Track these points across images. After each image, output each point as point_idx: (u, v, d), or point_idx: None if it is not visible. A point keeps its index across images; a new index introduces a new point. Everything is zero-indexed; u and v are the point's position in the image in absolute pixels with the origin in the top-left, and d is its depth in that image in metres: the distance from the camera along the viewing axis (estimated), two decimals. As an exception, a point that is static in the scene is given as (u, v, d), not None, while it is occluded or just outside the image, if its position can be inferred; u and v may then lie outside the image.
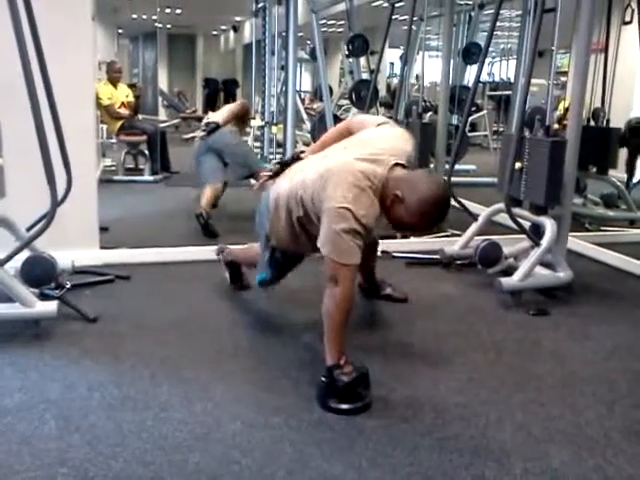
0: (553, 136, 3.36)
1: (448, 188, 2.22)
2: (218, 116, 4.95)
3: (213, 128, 4.79)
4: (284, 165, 2.61)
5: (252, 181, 2.63)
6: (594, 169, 5.07)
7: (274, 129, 7.18)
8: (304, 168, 2.45)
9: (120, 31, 15.80)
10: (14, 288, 2.66)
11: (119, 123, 6.94)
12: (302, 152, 2.69)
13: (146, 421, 2.04)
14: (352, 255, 2.15)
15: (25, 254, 2.81)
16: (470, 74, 8.36)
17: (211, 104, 17.26)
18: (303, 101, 12.13)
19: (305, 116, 10.08)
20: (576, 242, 4.09)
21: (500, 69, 12.50)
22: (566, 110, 6.94)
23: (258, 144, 8.29)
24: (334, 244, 2.16)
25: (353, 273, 2.19)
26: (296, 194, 2.36)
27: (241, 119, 5.20)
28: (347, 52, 7.80)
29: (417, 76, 10.16)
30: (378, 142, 2.37)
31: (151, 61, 18.94)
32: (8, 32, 2.43)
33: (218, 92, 18.51)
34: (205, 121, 5.01)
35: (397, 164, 2.28)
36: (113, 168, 7.18)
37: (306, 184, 2.32)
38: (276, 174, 2.60)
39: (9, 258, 2.67)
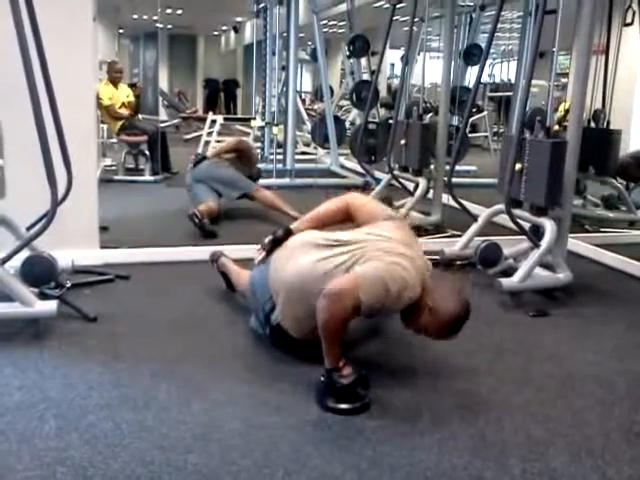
0: (553, 137, 3.36)
1: (469, 305, 2.28)
2: (213, 149, 5.04)
3: (198, 160, 4.98)
4: (277, 241, 2.53)
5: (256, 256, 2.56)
6: (594, 170, 5.07)
7: (275, 130, 7.19)
8: (309, 249, 2.37)
9: (121, 31, 15.80)
10: (14, 287, 2.66)
11: (120, 123, 6.94)
12: (288, 228, 2.57)
13: (145, 421, 2.04)
14: (371, 296, 2.12)
15: (25, 253, 2.81)
16: (471, 75, 8.36)
17: (211, 104, 17.30)
18: (304, 102, 12.15)
19: (306, 117, 10.10)
20: (576, 243, 4.10)
21: (501, 70, 12.51)
22: (566, 111, 6.94)
23: (259, 144, 8.29)
24: (367, 273, 2.15)
25: (353, 309, 2.12)
26: (309, 282, 2.28)
27: (239, 157, 5.10)
28: (348, 53, 7.81)
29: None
30: (413, 248, 2.33)
31: (152, 61, 18.94)
32: (10, 32, 2.43)
33: (218, 92, 18.55)
34: (195, 156, 5.16)
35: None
36: (113, 168, 7.18)
37: (322, 269, 2.27)
38: (270, 251, 2.54)
39: (9, 257, 2.67)
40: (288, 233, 2.53)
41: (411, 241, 2.38)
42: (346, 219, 2.54)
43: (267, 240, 2.54)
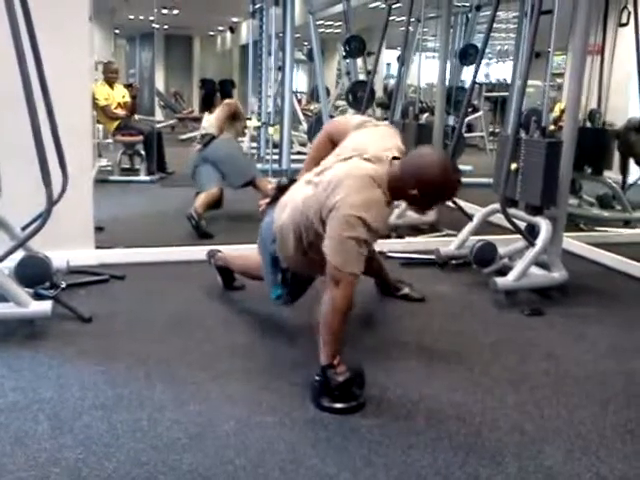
0: (549, 137, 3.36)
1: (440, 150, 2.27)
2: (212, 126, 5.00)
3: (208, 140, 4.90)
4: (282, 189, 2.58)
5: (260, 203, 2.63)
6: (589, 170, 5.08)
7: (271, 130, 7.18)
8: (302, 188, 2.42)
9: (117, 31, 15.80)
10: (8, 288, 2.65)
11: (115, 123, 6.93)
12: (292, 180, 2.64)
13: (140, 421, 2.04)
14: (356, 264, 2.16)
15: (20, 254, 2.80)
16: (467, 75, 8.37)
17: (207, 105, 17.28)
18: (300, 102, 12.15)
19: (302, 117, 10.10)
20: (571, 242, 4.10)
21: (497, 70, 12.53)
22: (562, 111, 6.95)
23: (255, 145, 8.28)
24: (340, 251, 2.16)
25: (355, 281, 2.18)
26: (302, 218, 2.33)
27: (232, 119, 5.15)
28: (344, 53, 7.82)
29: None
30: (371, 144, 2.36)
31: (148, 62, 18.90)
32: (5, 32, 2.43)
33: (215, 93, 18.54)
34: (201, 132, 5.10)
35: (394, 158, 2.29)
36: (109, 168, 7.16)
37: (309, 203, 2.30)
38: (275, 198, 2.58)
39: (4, 257, 2.67)
40: (292, 181, 2.59)
41: (374, 139, 2.38)
42: (333, 147, 2.54)
43: (271, 187, 2.63)
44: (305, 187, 2.40)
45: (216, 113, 5.15)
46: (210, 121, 5.06)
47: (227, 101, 5.49)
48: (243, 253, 3.04)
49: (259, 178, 4.97)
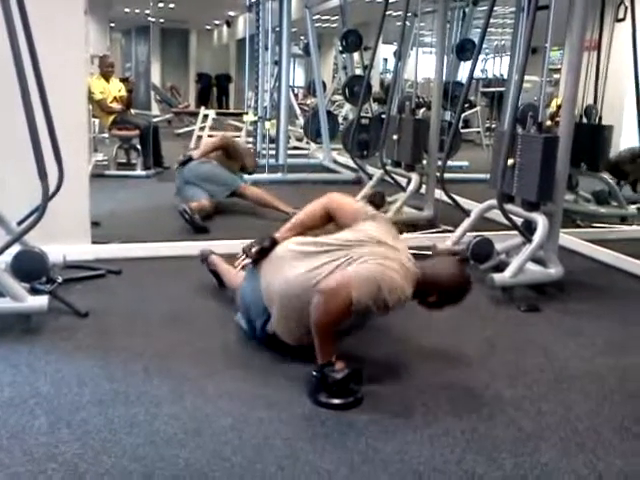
0: (545, 133, 3.36)
1: (464, 266, 2.37)
2: (198, 149, 5.11)
3: (185, 161, 4.99)
4: (264, 251, 2.50)
5: (237, 263, 2.64)
6: (585, 166, 5.09)
7: (267, 124, 7.17)
8: (297, 258, 2.37)
9: (113, 25, 15.70)
10: (5, 282, 2.64)
11: (111, 117, 6.91)
12: (273, 238, 2.54)
13: (137, 416, 2.04)
14: (361, 292, 2.11)
15: (16, 248, 2.79)
16: (463, 70, 8.36)
17: (204, 99, 17.25)
18: (296, 96, 12.13)
19: (298, 111, 10.08)
20: (568, 238, 4.11)
21: (493, 66, 12.52)
22: (558, 107, 6.95)
23: (251, 139, 8.27)
24: (359, 272, 2.17)
25: (349, 301, 2.10)
26: (305, 292, 2.25)
27: (226, 154, 5.10)
28: (341, 48, 7.80)
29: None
30: (396, 243, 2.36)
31: (144, 55, 18.84)
32: (0, 26, 2.41)
33: (211, 87, 18.49)
34: (183, 155, 5.19)
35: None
36: (105, 163, 7.15)
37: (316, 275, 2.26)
38: (256, 261, 2.52)
39: (0, 252, 2.66)
40: (274, 243, 2.52)
41: (393, 239, 2.39)
42: (328, 221, 2.55)
43: (253, 250, 2.52)
44: (304, 259, 2.35)
45: (210, 139, 5.22)
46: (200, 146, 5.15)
47: (225, 135, 5.50)
48: (232, 273, 2.99)
49: (243, 186, 4.96)
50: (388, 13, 5.21)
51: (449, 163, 5.06)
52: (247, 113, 8.27)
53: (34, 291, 2.87)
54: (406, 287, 2.22)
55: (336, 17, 9.48)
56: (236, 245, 3.38)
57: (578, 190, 5.29)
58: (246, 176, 5.31)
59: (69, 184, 3.03)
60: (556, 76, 8.98)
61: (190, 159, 5.02)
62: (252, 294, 2.52)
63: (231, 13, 16.09)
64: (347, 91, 7.24)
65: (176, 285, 3.32)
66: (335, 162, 7.71)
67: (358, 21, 9.05)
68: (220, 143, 5.20)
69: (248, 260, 2.58)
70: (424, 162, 4.86)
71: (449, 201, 4.19)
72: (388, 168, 4.97)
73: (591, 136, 4.96)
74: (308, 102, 12.01)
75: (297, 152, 8.51)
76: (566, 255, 3.79)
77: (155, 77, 17.84)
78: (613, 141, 5.39)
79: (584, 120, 5.32)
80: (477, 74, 10.77)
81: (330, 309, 2.11)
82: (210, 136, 8.41)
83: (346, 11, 7.67)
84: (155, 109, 14.83)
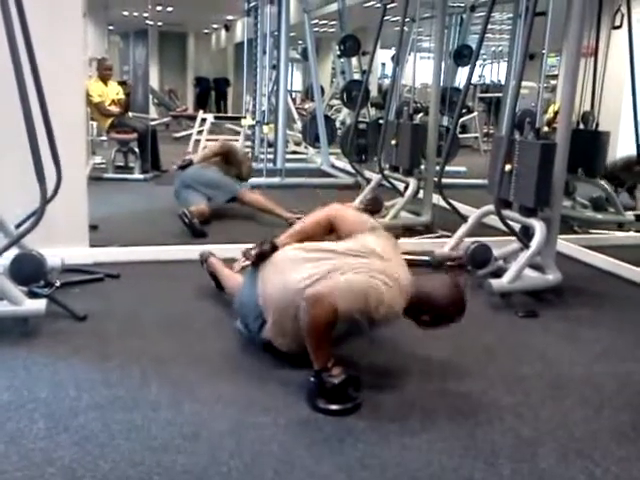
0: (543, 139, 3.37)
1: (460, 288, 2.35)
2: (198, 154, 5.14)
3: (186, 165, 5.01)
4: (264, 255, 2.51)
5: (235, 266, 2.69)
6: (583, 172, 5.10)
7: (265, 128, 7.17)
8: (296, 264, 2.37)
9: (111, 28, 15.70)
10: (2, 286, 2.64)
11: (109, 120, 6.90)
12: (273, 242, 2.54)
13: (135, 421, 2.03)
14: (348, 304, 2.12)
15: (14, 251, 2.79)
16: (461, 76, 8.39)
17: (202, 103, 17.25)
18: (294, 101, 12.14)
19: (296, 116, 10.09)
20: (565, 244, 4.12)
21: (491, 71, 12.56)
22: (556, 113, 6.96)
23: (249, 144, 8.27)
24: (348, 281, 2.18)
25: (334, 308, 2.11)
26: (298, 297, 2.24)
27: (225, 160, 5.13)
28: (339, 52, 7.82)
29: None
30: (394, 257, 2.36)
31: (142, 59, 18.80)
32: (-2, 28, 2.41)
33: (209, 91, 18.51)
34: (182, 159, 5.19)
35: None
36: (103, 166, 7.13)
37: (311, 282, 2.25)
38: (255, 264, 2.53)
39: (-3, 255, 2.65)
40: (274, 248, 2.52)
41: (393, 253, 2.39)
42: (330, 232, 2.56)
43: (253, 252, 2.53)
44: (302, 266, 2.35)
45: (211, 145, 5.23)
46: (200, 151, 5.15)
47: (226, 142, 5.52)
48: (230, 276, 2.99)
49: (242, 191, 4.96)
50: (386, 18, 5.22)
51: (447, 168, 5.06)
52: (245, 117, 8.27)
53: (32, 294, 2.87)
54: (396, 304, 2.22)
55: (334, 22, 9.49)
56: (234, 249, 3.38)
57: (575, 196, 5.30)
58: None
59: (67, 187, 3.03)
60: (553, 82, 9.01)
61: (190, 163, 5.03)
62: (249, 297, 2.52)
63: (229, 17, 16.10)
64: (345, 96, 7.26)
65: (174, 289, 3.32)
66: (333, 166, 7.71)
67: (356, 26, 9.07)
68: (221, 149, 5.22)
69: (247, 262, 2.58)
70: (422, 167, 4.87)
71: (447, 206, 4.20)
72: (386, 173, 4.98)
73: (588, 142, 4.97)
74: (306, 106, 12.03)
75: (295, 156, 8.51)
76: (563, 261, 3.80)
77: (153, 80, 17.83)
78: (610, 147, 5.40)
79: (581, 126, 5.33)
80: (475, 80, 10.81)
81: (315, 315, 2.10)
82: (208, 140, 8.42)
83: (344, 16, 7.70)
84: (153, 112, 14.82)
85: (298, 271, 2.34)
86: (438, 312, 2.31)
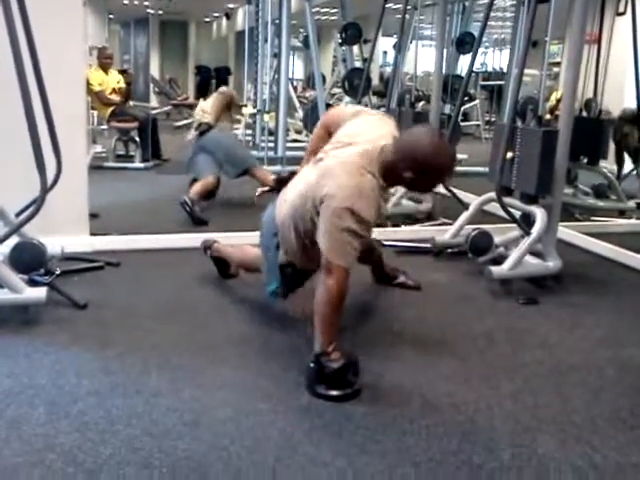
0: (545, 126, 3.36)
1: (431, 127, 2.30)
2: (208, 114, 5.02)
3: (205, 130, 4.94)
4: (282, 181, 2.61)
5: (258, 190, 2.79)
6: (585, 159, 5.09)
7: (266, 117, 7.16)
8: (300, 179, 2.44)
9: (111, 16, 15.66)
10: (3, 274, 2.64)
11: (110, 109, 6.89)
12: (292, 172, 2.65)
13: (135, 407, 2.04)
14: (346, 256, 2.15)
15: (14, 240, 2.79)
16: (463, 64, 8.36)
17: (203, 91, 17.22)
18: (295, 89, 12.10)
19: (297, 104, 10.06)
20: (566, 232, 4.11)
21: (493, 59, 12.50)
22: (558, 101, 6.95)
23: (250, 132, 8.25)
24: (330, 242, 2.17)
25: (346, 272, 2.16)
26: (301, 208, 2.32)
27: (227, 108, 5.23)
28: (340, 40, 7.79)
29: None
30: (364, 132, 2.35)
31: (142, 47, 18.81)
32: (-3, 16, 2.41)
33: (210, 80, 18.46)
34: (195, 119, 5.15)
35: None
36: (103, 155, 7.13)
37: (306, 195, 2.29)
38: (275, 190, 2.61)
39: (-2, 243, 2.66)
40: (292, 173, 2.61)
41: (367, 128, 2.38)
42: (331, 136, 2.55)
43: (272, 178, 2.62)
44: (303, 177, 2.41)
45: (211, 101, 5.16)
46: (204, 109, 5.06)
47: (222, 89, 5.51)
48: (241, 247, 3.03)
49: (255, 167, 4.96)
50: (388, 6, 5.21)
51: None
52: (246, 105, 8.25)
53: (32, 283, 2.87)
54: (373, 199, 2.17)
55: (336, 10, 9.46)
56: (236, 237, 3.40)
57: (577, 183, 5.29)
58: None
59: (67, 176, 3.02)
60: (556, 69, 8.98)
61: (210, 127, 4.96)
62: (268, 218, 2.58)
63: (230, 5, 16.04)
64: (346, 84, 7.23)
65: (175, 277, 3.32)
66: (334, 155, 7.69)
67: (358, 14, 9.03)
68: (227, 100, 5.26)
69: (266, 188, 2.70)
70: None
71: (448, 194, 4.20)
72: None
73: (591, 130, 4.95)
74: (307, 95, 11.99)
75: (296, 145, 8.48)
76: (564, 248, 3.79)
77: (154, 69, 17.81)
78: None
79: (584, 114, 5.31)
80: (477, 67, 10.76)
81: (334, 286, 2.14)
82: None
83: (346, 4, 7.66)
84: (154, 101, 14.83)
85: (299, 184, 2.40)
86: (421, 164, 2.17)
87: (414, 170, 2.19)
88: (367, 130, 2.37)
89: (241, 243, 3.12)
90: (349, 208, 2.12)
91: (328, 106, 7.80)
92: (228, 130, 5.26)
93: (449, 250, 3.82)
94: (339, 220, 2.13)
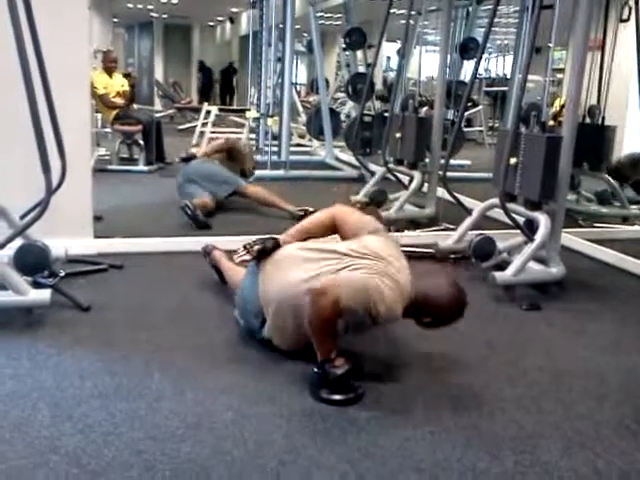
0: (549, 132, 3.36)
1: (459, 286, 2.36)
2: (202, 149, 5.18)
3: (188, 158, 5.06)
4: (265, 252, 2.50)
5: (235, 257, 2.68)
6: (588, 166, 5.09)
7: (270, 121, 7.17)
8: (296, 263, 2.39)
9: (116, 20, 15.73)
10: (7, 276, 2.65)
11: (114, 112, 6.90)
12: (276, 240, 2.54)
13: (138, 410, 2.04)
14: (349, 296, 2.13)
15: (19, 242, 2.79)
16: (467, 69, 8.36)
17: (205, 95, 17.25)
18: (299, 94, 12.14)
19: (301, 109, 10.08)
20: (569, 238, 4.11)
21: (497, 65, 12.51)
22: (562, 107, 6.94)
23: (253, 136, 8.26)
24: (351, 277, 2.19)
25: (337, 302, 2.11)
26: (299, 296, 2.24)
27: (228, 155, 5.14)
28: (344, 45, 7.78)
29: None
30: (396, 260, 2.34)
31: (147, 51, 18.87)
32: (4, 20, 2.41)
33: (212, 82, 18.50)
34: (186, 151, 5.29)
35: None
36: (107, 157, 7.13)
37: (312, 280, 2.27)
38: (257, 259, 2.52)
39: (2, 246, 2.66)
40: (276, 245, 2.52)
41: (395, 255, 2.38)
42: (332, 232, 2.55)
43: (255, 248, 2.52)
44: (304, 265, 2.36)
45: (215, 142, 5.34)
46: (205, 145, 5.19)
47: (230, 138, 5.56)
48: (233, 270, 3.00)
49: (244, 185, 4.96)
50: (392, 11, 5.19)
51: (451, 162, 5.05)
52: (250, 110, 8.27)
53: (36, 285, 2.88)
54: (396, 306, 2.21)
55: (340, 15, 9.45)
56: (238, 241, 3.39)
57: (580, 190, 5.29)
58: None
59: (72, 178, 3.02)
60: (559, 76, 8.98)
61: (193, 157, 5.04)
62: (250, 294, 2.53)
63: (234, 9, 16.07)
64: (350, 89, 7.23)
65: (178, 280, 3.33)
66: (337, 159, 7.71)
67: (362, 19, 9.03)
68: (225, 146, 5.23)
69: (248, 257, 2.55)
70: (426, 160, 4.86)
71: (451, 199, 4.20)
72: (390, 166, 4.97)
73: (594, 136, 4.95)
74: (311, 99, 12.01)
75: (299, 149, 8.50)
76: (568, 254, 3.79)
77: (158, 73, 17.86)
78: (616, 141, 5.38)
79: (587, 120, 5.31)
80: (480, 73, 10.77)
81: (319, 308, 2.11)
82: (213, 132, 8.41)
83: (350, 9, 7.66)
84: (158, 104, 14.85)
85: (299, 271, 2.35)
86: (438, 314, 2.31)
87: (433, 318, 2.33)
88: (394, 257, 2.36)
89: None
90: (384, 294, 2.17)
91: (331, 111, 7.83)
92: (210, 160, 5.05)
93: (452, 255, 3.82)
94: (373, 283, 2.17)
